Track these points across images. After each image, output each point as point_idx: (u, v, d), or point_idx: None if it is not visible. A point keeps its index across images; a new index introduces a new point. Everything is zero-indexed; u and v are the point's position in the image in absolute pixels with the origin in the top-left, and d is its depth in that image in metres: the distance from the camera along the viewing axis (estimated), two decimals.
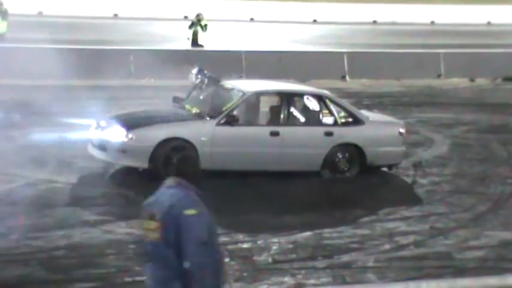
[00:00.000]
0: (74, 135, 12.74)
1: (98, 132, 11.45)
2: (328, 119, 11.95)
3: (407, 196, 11.65)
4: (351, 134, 11.87)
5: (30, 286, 7.68)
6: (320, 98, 12.07)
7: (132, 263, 8.32)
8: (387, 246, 9.28)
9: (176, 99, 12.51)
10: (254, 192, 11.18)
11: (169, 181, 5.43)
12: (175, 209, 5.18)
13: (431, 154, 14.01)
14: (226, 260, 8.55)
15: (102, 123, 11.50)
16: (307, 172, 11.74)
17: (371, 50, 25.00)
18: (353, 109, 12.35)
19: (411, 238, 9.61)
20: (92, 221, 9.57)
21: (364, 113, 12.64)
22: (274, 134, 11.54)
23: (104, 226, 9.42)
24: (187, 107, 12.09)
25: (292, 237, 9.42)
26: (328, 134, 11.76)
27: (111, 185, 11.23)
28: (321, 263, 8.67)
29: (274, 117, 11.83)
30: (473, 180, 12.44)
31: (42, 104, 15.66)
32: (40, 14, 33.61)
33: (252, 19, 35.99)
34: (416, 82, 22.18)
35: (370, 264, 8.73)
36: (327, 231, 9.70)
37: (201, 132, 11.25)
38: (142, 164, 11.07)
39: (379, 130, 12.15)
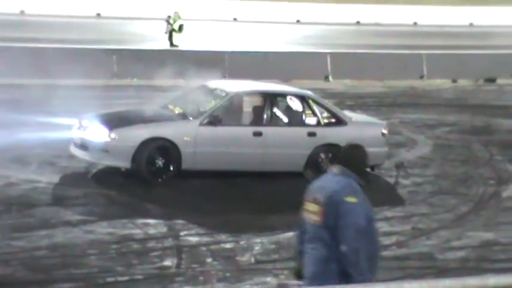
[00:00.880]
0: (56, 135, 12.67)
1: (80, 132, 11.41)
2: (311, 120, 11.97)
3: (390, 197, 11.68)
4: (334, 135, 11.90)
5: (11, 286, 7.62)
6: (303, 99, 12.10)
7: (114, 263, 8.30)
8: None
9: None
10: (237, 192, 11.18)
11: (335, 169, 5.65)
12: (337, 195, 5.44)
13: (413, 155, 14.07)
14: (208, 260, 8.57)
15: (85, 122, 11.46)
16: (290, 172, 11.75)
17: (354, 50, 25.08)
18: (336, 110, 12.38)
19: (393, 238, 9.64)
20: (74, 221, 9.53)
21: (347, 113, 12.67)
22: (257, 134, 11.55)
23: (86, 226, 9.38)
24: (171, 106, 12.08)
25: (275, 238, 9.43)
26: (311, 134, 11.79)
27: (93, 185, 11.19)
28: None
29: (257, 118, 11.84)
30: (456, 181, 12.50)
31: (24, 104, 15.59)
32: (22, 13, 33.44)
33: (235, 19, 35.99)
34: (399, 83, 22.27)
35: None
36: None
37: (184, 132, 11.23)
38: (125, 163, 11.05)
39: (362, 131, 12.18)
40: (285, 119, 11.95)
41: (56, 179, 11.21)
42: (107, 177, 11.38)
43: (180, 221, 9.82)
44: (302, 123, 11.91)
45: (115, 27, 29.80)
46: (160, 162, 11.07)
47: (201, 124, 11.31)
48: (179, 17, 22.95)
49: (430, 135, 15.66)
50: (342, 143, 11.78)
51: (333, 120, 12.06)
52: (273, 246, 9.15)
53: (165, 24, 22.77)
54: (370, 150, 11.90)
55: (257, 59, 21.64)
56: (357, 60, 23.01)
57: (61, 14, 32.14)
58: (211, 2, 35.89)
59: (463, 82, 23.29)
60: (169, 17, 23.00)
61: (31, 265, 8.16)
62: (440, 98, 20.75)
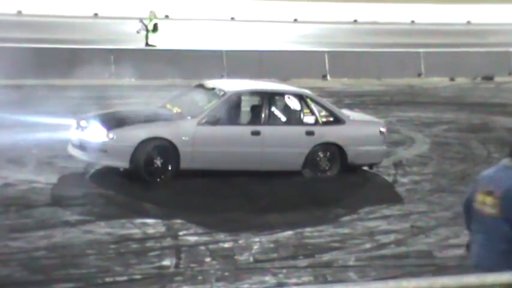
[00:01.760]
0: (54, 135, 12.67)
1: (78, 132, 11.39)
2: (309, 119, 11.96)
3: (388, 195, 11.68)
4: (332, 134, 11.89)
5: (10, 287, 7.62)
6: (301, 98, 12.09)
7: (113, 263, 8.30)
8: (368, 245, 9.30)
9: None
10: (235, 192, 11.18)
11: (508, 161, 5.81)
12: None
13: (411, 153, 14.07)
14: (207, 259, 8.57)
15: (83, 123, 11.44)
16: (289, 171, 11.74)
17: (352, 49, 25.08)
18: (334, 108, 12.38)
19: (392, 237, 9.64)
20: (73, 221, 9.53)
21: (345, 112, 12.67)
22: (255, 133, 11.54)
23: (84, 226, 9.38)
24: (168, 106, 12.07)
25: (274, 237, 9.43)
26: (309, 133, 11.78)
27: (91, 185, 11.18)
28: (302, 262, 8.68)
29: (255, 117, 11.83)
30: (454, 179, 12.51)
31: (22, 104, 15.58)
32: (19, 13, 33.42)
33: (232, 18, 35.97)
34: (397, 81, 22.28)
35: (351, 263, 8.75)
36: (308, 230, 9.71)
37: (182, 132, 11.21)
38: (123, 163, 11.04)
39: (360, 129, 12.18)
40: (283, 118, 11.94)
41: (54, 179, 11.21)
42: (105, 177, 11.37)
43: (179, 221, 9.82)
44: (300, 122, 11.90)
45: (112, 27, 29.78)
46: (158, 162, 11.06)
47: (199, 123, 11.29)
48: (155, 16, 22.54)
49: (428, 133, 15.67)
50: (341, 142, 11.83)
51: (331, 119, 12.05)
52: (271, 245, 9.15)
53: (139, 24, 22.38)
54: (368, 148, 12.10)
55: (255, 58, 21.64)
56: (354, 59, 23.02)
57: (58, 14, 32.12)
58: (209, 1, 35.88)
59: (460, 80, 23.30)
60: (141, 20, 22.41)
61: (29, 265, 8.15)
62: (438, 96, 20.76)
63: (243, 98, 12.12)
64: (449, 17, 38.60)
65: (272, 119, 11.79)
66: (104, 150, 11.01)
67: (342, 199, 11.35)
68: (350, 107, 17.94)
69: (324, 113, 12.07)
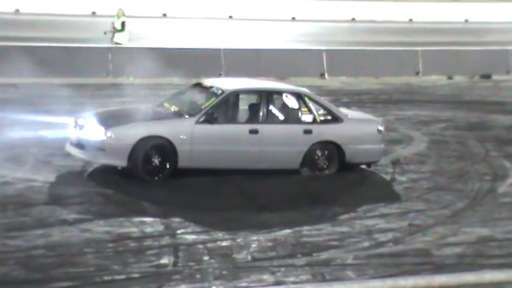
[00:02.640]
0: (52, 134, 12.67)
1: (76, 131, 11.39)
2: (307, 117, 11.96)
3: (386, 193, 11.69)
4: (330, 132, 11.90)
5: (8, 285, 7.62)
6: (299, 96, 12.09)
7: (111, 262, 8.30)
8: (366, 244, 9.31)
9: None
10: (233, 190, 11.18)
11: None
12: None
13: (409, 151, 14.08)
14: (205, 258, 8.57)
15: (81, 121, 11.44)
16: (286, 170, 11.75)
17: (350, 47, 25.07)
18: (332, 107, 12.39)
19: (390, 235, 9.65)
20: (71, 220, 9.53)
21: (343, 110, 12.67)
22: (254, 132, 11.54)
23: (82, 225, 9.38)
24: (166, 105, 12.06)
25: (272, 235, 9.43)
26: (307, 131, 11.78)
27: (89, 183, 11.18)
28: (300, 261, 8.69)
29: (253, 115, 11.82)
30: (452, 177, 12.51)
31: (20, 103, 15.57)
32: (17, 11, 33.39)
33: (230, 17, 35.96)
34: (395, 79, 22.28)
35: (349, 261, 8.76)
36: (306, 229, 9.72)
37: (180, 131, 11.21)
38: (121, 162, 11.03)
39: (358, 128, 12.19)
40: (281, 117, 11.94)
41: (52, 178, 11.20)
42: (103, 175, 11.37)
43: (177, 219, 9.82)
44: (298, 121, 11.90)
45: (110, 26, 29.73)
46: (156, 161, 11.06)
47: (197, 122, 11.29)
48: (123, 14, 22.27)
49: (426, 132, 15.68)
50: (338, 140, 11.84)
51: (329, 117, 12.05)
52: (269, 244, 9.15)
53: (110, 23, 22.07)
54: (366, 147, 12.12)
55: (253, 57, 21.63)
56: (352, 57, 23.00)
57: (56, 13, 32.08)
58: (207, 0, 35.86)
59: (458, 78, 23.30)
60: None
61: (28, 264, 8.15)
62: (436, 95, 20.77)
63: (241, 96, 12.11)
64: (447, 15, 38.60)
65: (270, 118, 11.79)
66: (101, 148, 11.01)
67: (340, 197, 11.35)
68: (348, 105, 17.94)
69: (321, 111, 12.07)
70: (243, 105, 12.10)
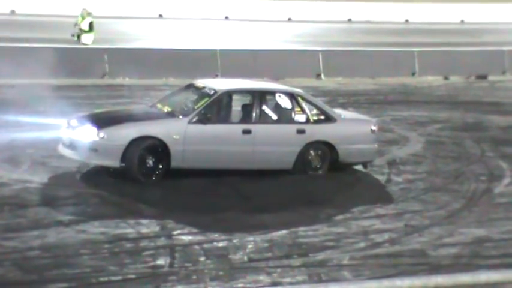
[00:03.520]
0: (47, 135, 12.65)
1: (68, 132, 11.37)
2: (300, 117, 11.94)
3: (381, 194, 11.69)
4: (323, 132, 11.89)
5: (3, 287, 7.61)
6: (292, 96, 12.07)
7: (107, 263, 8.29)
8: (362, 244, 9.31)
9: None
10: (229, 191, 11.17)
11: None
12: None
13: (405, 152, 14.08)
14: (202, 259, 8.56)
15: (73, 122, 11.41)
16: (280, 170, 11.74)
17: (346, 48, 25.09)
18: (325, 107, 12.38)
19: (386, 236, 9.65)
20: (66, 221, 9.51)
21: (336, 110, 12.67)
22: (247, 132, 11.52)
23: (78, 226, 9.36)
24: (159, 105, 12.02)
25: (268, 236, 9.43)
26: (301, 131, 11.77)
27: (85, 184, 11.17)
28: (296, 261, 8.68)
29: (246, 116, 11.79)
30: (448, 177, 12.52)
31: (15, 104, 15.55)
32: (13, 12, 33.36)
33: (227, 17, 35.96)
34: (391, 80, 22.30)
35: (345, 262, 8.75)
36: (302, 230, 9.71)
37: (173, 131, 11.17)
38: (114, 163, 10.99)
39: (351, 128, 12.18)
40: (274, 117, 11.93)
41: (47, 179, 11.19)
42: (98, 177, 11.35)
43: (173, 220, 9.81)
44: (291, 121, 11.89)
45: (106, 27, 29.73)
46: (150, 161, 11.03)
47: (190, 122, 11.27)
48: (88, 14, 22.07)
49: (422, 132, 15.68)
50: (332, 140, 11.84)
51: (322, 117, 12.04)
52: (266, 245, 9.15)
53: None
54: (359, 147, 12.11)
55: (249, 57, 21.63)
56: (348, 58, 23.02)
57: (52, 14, 32.06)
58: (203, 0, 35.86)
59: (454, 79, 23.33)
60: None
61: (23, 265, 8.14)
62: (432, 95, 20.79)
63: (234, 96, 12.11)
64: (443, 16, 38.64)
65: (263, 118, 11.77)
66: (94, 149, 10.98)
67: (336, 198, 11.34)
68: (344, 106, 17.95)
69: (315, 111, 12.06)
70: (236, 106, 12.09)
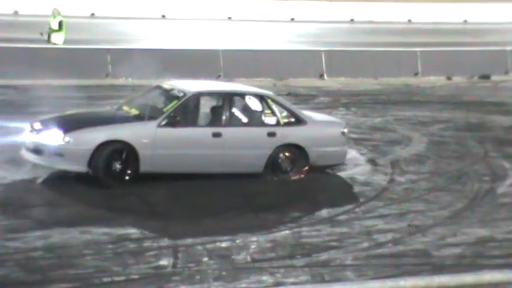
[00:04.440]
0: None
1: (32, 135, 10.96)
2: (270, 120, 11.74)
3: (385, 194, 11.66)
4: (294, 134, 11.70)
5: (7, 287, 7.61)
6: (262, 98, 11.82)
7: (110, 263, 8.30)
8: (365, 244, 9.31)
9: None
10: (232, 192, 11.16)
11: None
12: None
13: (408, 152, 14.07)
14: (205, 259, 8.57)
15: (37, 125, 11.00)
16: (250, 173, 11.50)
17: (349, 48, 25.05)
18: (295, 109, 12.16)
19: (389, 236, 9.65)
20: (70, 222, 9.52)
21: (307, 113, 12.45)
22: (217, 135, 11.26)
23: (81, 226, 9.36)
24: (126, 108, 11.64)
25: (271, 236, 9.43)
26: (271, 134, 11.56)
27: (87, 185, 11.15)
28: (299, 262, 8.69)
29: (216, 118, 11.49)
30: (451, 177, 12.51)
31: (19, 104, 15.56)
32: (16, 13, 33.39)
33: (229, 18, 35.97)
34: (394, 80, 22.28)
35: (349, 262, 8.76)
36: (305, 230, 9.72)
37: (142, 134, 10.87)
38: (81, 168, 10.67)
39: (322, 130, 12.01)
40: (244, 119, 11.66)
41: (51, 179, 11.19)
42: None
43: (176, 221, 9.82)
44: (261, 123, 11.67)
45: (109, 27, 29.77)
46: (118, 166, 10.74)
47: (159, 126, 10.96)
48: (59, 13, 21.85)
49: (425, 132, 15.67)
50: (302, 143, 11.65)
51: (293, 119, 11.86)
52: (269, 245, 9.15)
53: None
54: (329, 149, 11.95)
55: (252, 58, 21.63)
56: (351, 58, 23.00)
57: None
58: (206, 0, 35.87)
59: (457, 79, 23.30)
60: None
61: (27, 266, 8.15)
62: (434, 95, 20.77)
63: (203, 99, 11.81)
64: (446, 16, 38.61)
65: (233, 120, 11.52)
66: (60, 154, 10.66)
67: (337, 198, 11.33)
68: (347, 106, 17.98)
69: (285, 113, 11.86)
70: (206, 108, 11.80)
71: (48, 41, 21.05)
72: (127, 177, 10.82)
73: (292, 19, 37.33)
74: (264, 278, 8.16)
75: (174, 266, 8.39)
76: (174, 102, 11.29)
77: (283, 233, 9.57)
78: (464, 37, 31.63)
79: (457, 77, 23.39)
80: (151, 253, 8.68)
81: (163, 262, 8.45)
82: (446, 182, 12.24)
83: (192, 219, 9.88)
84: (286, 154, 11.63)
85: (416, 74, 23.26)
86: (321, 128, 12.10)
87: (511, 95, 20.94)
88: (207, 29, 30.83)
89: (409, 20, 39.04)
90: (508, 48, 24.82)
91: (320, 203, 10.94)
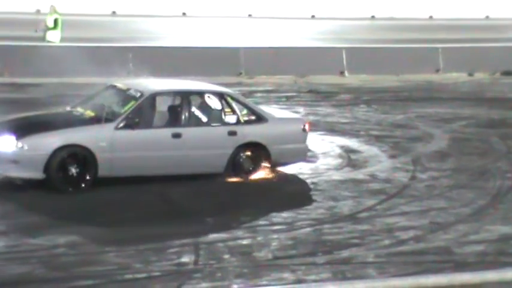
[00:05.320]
0: None
1: None
2: (231, 118, 11.46)
3: (407, 191, 11.62)
4: (255, 132, 11.46)
5: (30, 284, 7.68)
6: (221, 96, 11.54)
7: (132, 260, 8.34)
8: (387, 242, 9.29)
9: None
10: (252, 190, 11.16)
11: None
12: None
13: (430, 149, 14.01)
14: (226, 256, 8.59)
15: None
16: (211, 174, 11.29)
17: (370, 45, 24.99)
18: (255, 107, 11.95)
19: (411, 233, 9.62)
20: (91, 219, 9.57)
21: (267, 110, 12.24)
22: (177, 135, 10.97)
23: (103, 223, 9.41)
24: (80, 109, 11.22)
25: (292, 233, 9.43)
26: (232, 133, 11.30)
27: (104, 185, 11.19)
28: (320, 259, 8.68)
29: (175, 118, 11.19)
30: (473, 174, 12.45)
31: (36, 103, 15.65)
32: (38, 12, 33.58)
33: (250, 15, 35.98)
34: (415, 77, 22.19)
35: (370, 259, 8.74)
36: (326, 227, 9.71)
37: (99, 138, 10.51)
38: (37, 174, 10.23)
39: (283, 127, 11.76)
40: (204, 119, 11.39)
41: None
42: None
43: (197, 218, 9.84)
44: (222, 122, 11.41)
45: (130, 25, 29.86)
46: (74, 171, 10.37)
47: (116, 128, 10.63)
48: (55, 11, 21.70)
49: (447, 129, 15.60)
50: (263, 141, 11.40)
51: (253, 117, 11.62)
52: (290, 242, 9.15)
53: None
54: (290, 146, 11.69)
55: (272, 55, 21.62)
56: (372, 55, 22.95)
57: (77, 13, 32.24)
58: None
59: (479, 75, 23.17)
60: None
61: (50, 263, 8.21)
62: (456, 92, 20.66)
63: (161, 98, 11.42)
64: (468, 11, 38.37)
65: (193, 120, 11.24)
66: (14, 161, 10.23)
67: (358, 195, 11.31)
68: (368, 103, 17.93)
69: (245, 111, 11.63)
70: (164, 108, 11.42)
71: (45, 38, 20.99)
72: (83, 185, 10.43)
73: (313, 16, 37.27)
74: (285, 275, 8.16)
75: (195, 263, 8.41)
76: (132, 102, 10.92)
77: (304, 230, 9.57)
78: (486, 33, 31.42)
79: (479, 73, 23.26)
80: (173, 250, 8.71)
81: (185, 259, 8.47)
82: (469, 179, 12.17)
83: (211, 217, 9.89)
84: (248, 153, 11.41)
85: (437, 71, 23.16)
86: (282, 125, 11.79)
87: None
88: (227, 27, 30.85)
89: (431, 16, 38.85)
90: None
91: (341, 200, 10.91)
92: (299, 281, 7.95)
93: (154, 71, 19.63)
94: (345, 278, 8.14)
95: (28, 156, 10.21)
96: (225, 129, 11.33)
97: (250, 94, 18.67)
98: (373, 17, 37.96)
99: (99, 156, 10.46)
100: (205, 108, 11.52)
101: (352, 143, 14.19)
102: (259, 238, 9.23)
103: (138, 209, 10.09)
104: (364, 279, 7.81)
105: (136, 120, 10.78)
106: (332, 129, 15.21)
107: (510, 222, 10.23)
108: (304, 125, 11.96)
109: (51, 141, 10.32)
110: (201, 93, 11.67)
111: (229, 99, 11.59)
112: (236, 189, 11.14)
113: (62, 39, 21.08)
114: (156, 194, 10.68)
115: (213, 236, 9.23)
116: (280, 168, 11.83)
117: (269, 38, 27.62)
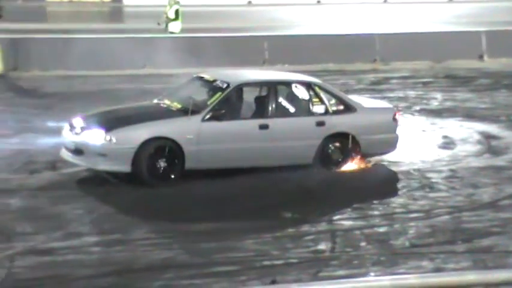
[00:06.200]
0: None
1: (72, 135, 10.54)
2: (318, 108, 11.12)
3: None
4: (344, 123, 11.13)
5: (173, 269, 7.94)
6: (309, 86, 11.23)
7: (270, 247, 8.47)
8: None
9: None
10: (384, 177, 11.08)
11: None
12: None
13: None
14: (362, 244, 8.58)
15: (77, 123, 10.58)
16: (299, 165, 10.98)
17: (511, 28, 24.15)
18: (344, 96, 11.60)
19: None
20: (236, 213, 9.76)
21: (356, 99, 11.86)
22: (264, 127, 10.76)
23: (245, 211, 9.60)
24: (167, 102, 11.10)
25: (430, 221, 9.31)
26: (320, 123, 11.01)
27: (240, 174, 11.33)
28: (460, 247, 8.54)
29: (262, 109, 10.94)
30: None
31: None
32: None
33: (385, 1, 35.54)
34: None
35: None
36: (465, 215, 9.53)
37: (186, 130, 10.39)
38: (125, 168, 10.20)
39: (372, 117, 11.39)
40: (292, 109, 11.10)
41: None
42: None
43: (332, 205, 9.87)
44: (309, 113, 11.08)
45: (265, 14, 30.14)
46: (162, 164, 10.30)
47: (203, 120, 10.49)
48: (175, 2, 21.69)
49: None
50: (353, 131, 11.06)
51: (342, 107, 11.28)
52: (427, 230, 9.04)
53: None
54: (380, 137, 11.30)
55: (408, 41, 21.29)
56: None
57: (214, 4, 32.83)
58: None
59: None
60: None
61: (191, 249, 8.45)
62: None
63: (248, 89, 11.29)
64: None
65: (280, 111, 10.97)
66: (103, 154, 10.22)
67: (498, 182, 11.00)
68: (509, 88, 17.39)
69: (333, 101, 11.29)
70: (251, 99, 11.21)
71: (166, 30, 21.44)
72: (172, 176, 10.36)
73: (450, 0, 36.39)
74: (424, 263, 8.08)
75: (332, 250, 8.46)
76: (218, 94, 10.78)
77: (442, 218, 9.43)
78: None
79: None
80: (310, 237, 8.79)
81: (321, 247, 8.54)
82: None
83: (348, 204, 9.90)
84: (336, 144, 11.16)
85: None
86: (372, 114, 11.45)
87: None
88: (362, 13, 30.60)
89: None
90: None
91: (480, 187, 10.67)
92: (438, 270, 7.85)
93: (289, 59, 19.82)
94: (485, 267, 7.96)
95: (116, 150, 10.19)
96: (313, 120, 11.07)
97: (385, 80, 18.48)
98: None
99: (186, 148, 10.36)
100: (292, 98, 11.29)
101: (492, 128, 13.81)
102: (396, 226, 9.17)
103: (275, 196, 10.21)
104: (506, 269, 7.62)
105: (223, 111, 10.63)
106: (471, 115, 14.85)
107: None
108: (395, 115, 11.64)
109: (138, 134, 10.29)
110: (288, 84, 11.40)
111: (317, 88, 11.31)
112: (367, 177, 11.04)
113: (182, 30, 21.47)
114: (293, 182, 10.73)
115: (349, 224, 9.25)
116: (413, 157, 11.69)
117: (404, 23, 27.20)
